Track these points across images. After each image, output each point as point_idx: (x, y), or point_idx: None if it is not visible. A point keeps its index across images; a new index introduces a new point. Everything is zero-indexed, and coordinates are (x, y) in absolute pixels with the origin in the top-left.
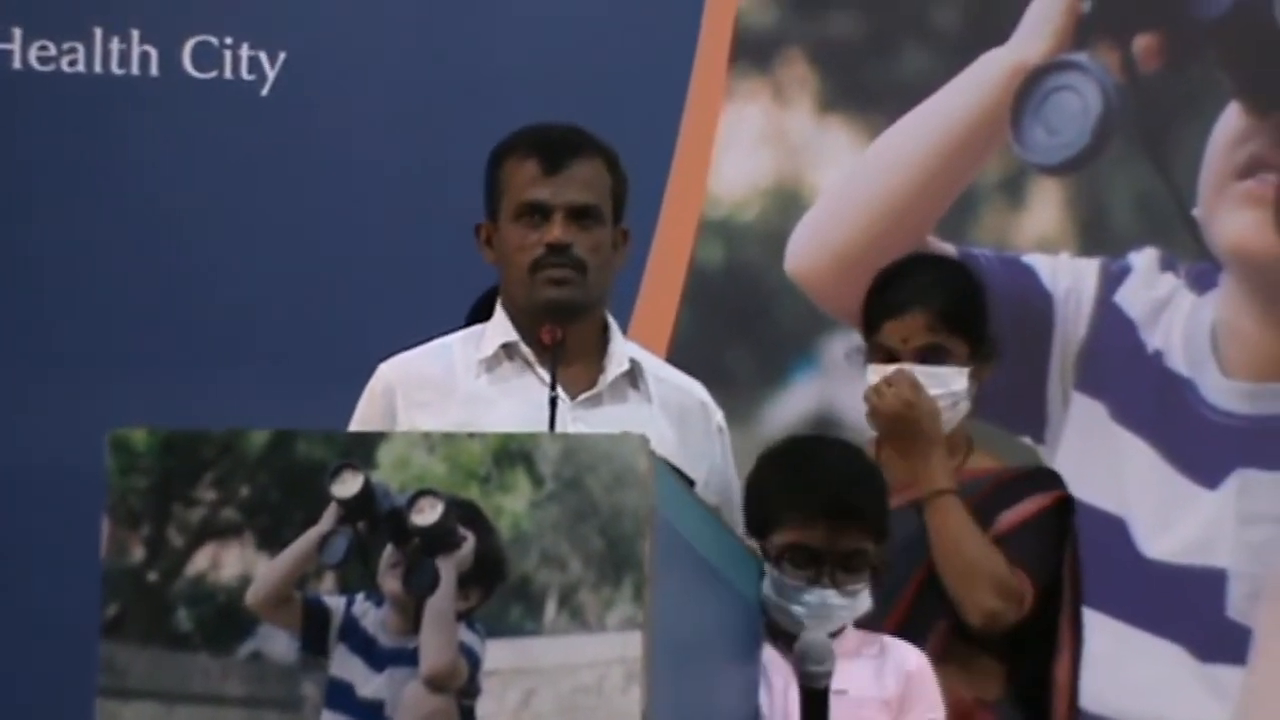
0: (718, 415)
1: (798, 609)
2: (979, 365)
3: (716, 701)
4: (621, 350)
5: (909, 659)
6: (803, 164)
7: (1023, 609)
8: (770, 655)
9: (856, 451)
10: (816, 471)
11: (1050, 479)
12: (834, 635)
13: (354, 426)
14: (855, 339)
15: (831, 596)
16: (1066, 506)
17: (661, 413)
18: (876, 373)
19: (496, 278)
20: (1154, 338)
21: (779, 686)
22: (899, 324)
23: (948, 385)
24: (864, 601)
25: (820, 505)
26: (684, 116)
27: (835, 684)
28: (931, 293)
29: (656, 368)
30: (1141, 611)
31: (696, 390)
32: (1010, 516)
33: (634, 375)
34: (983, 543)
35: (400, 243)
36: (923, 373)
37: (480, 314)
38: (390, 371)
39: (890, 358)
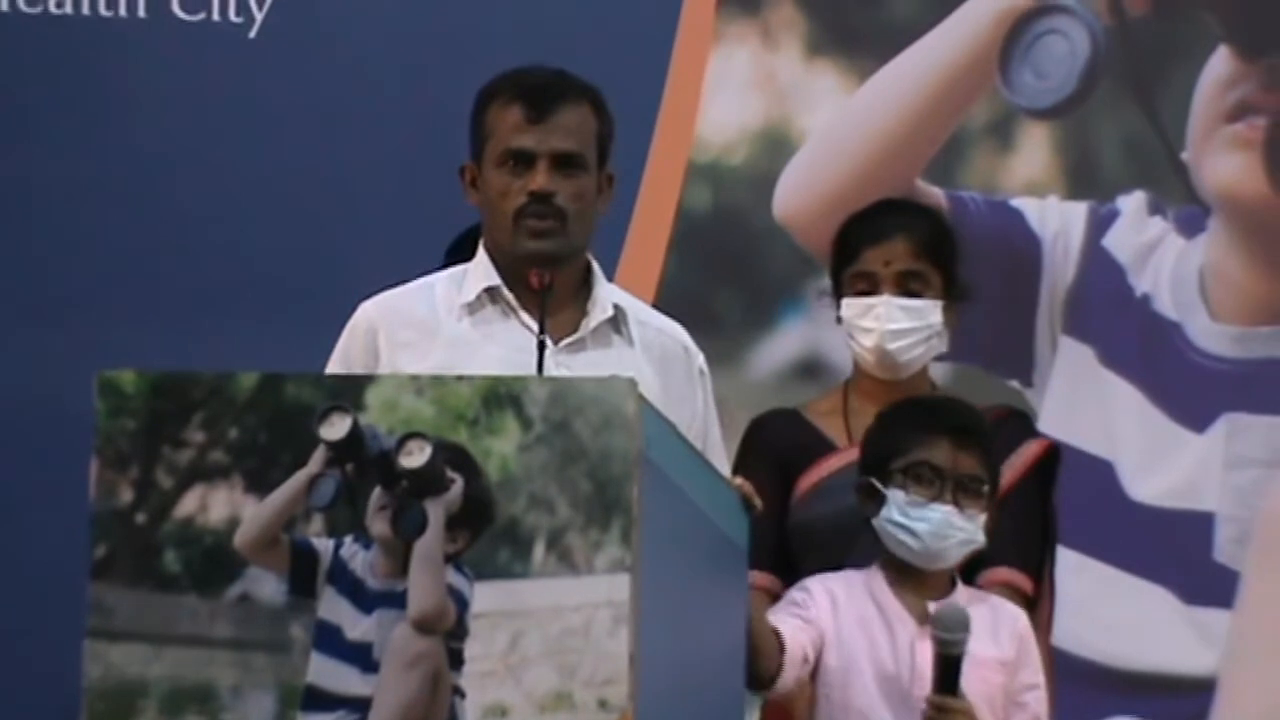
0: (699, 359)
1: (921, 525)
2: (951, 304)
3: (704, 643)
4: (605, 296)
5: (1019, 620)
6: (791, 107)
7: (1024, 604)
8: (894, 607)
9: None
10: (939, 401)
11: (1024, 424)
12: (950, 585)
13: (334, 363)
14: None
15: (953, 515)
16: (1053, 456)
17: (644, 357)
18: (852, 306)
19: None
20: (1142, 281)
21: (904, 640)
22: (882, 249)
23: (925, 318)
24: (979, 534)
25: (943, 424)
26: (672, 60)
27: None
28: (912, 223)
29: (639, 311)
30: (1129, 555)
31: (678, 333)
32: (1002, 480)
33: (617, 320)
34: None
35: (389, 185)
36: (901, 305)
37: (457, 254)
38: (373, 310)
39: (869, 288)
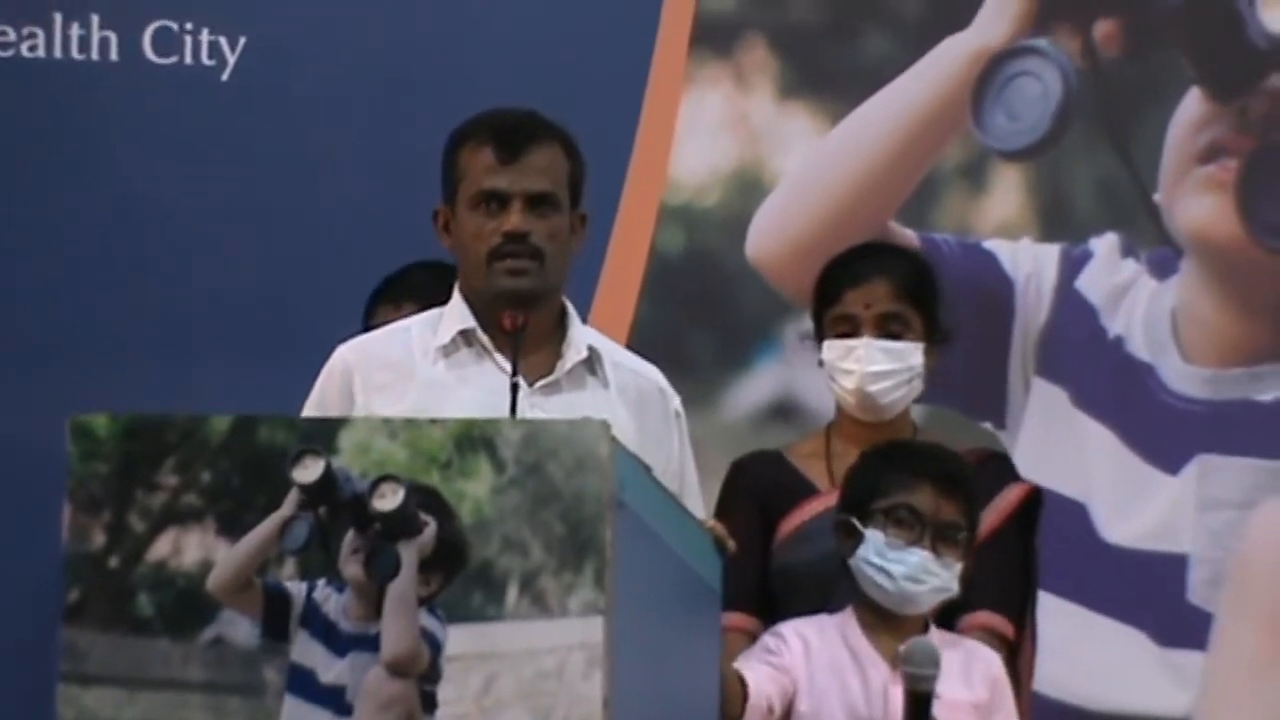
0: (675, 400)
1: (897, 568)
2: (931, 347)
3: (678, 686)
4: (580, 337)
5: (993, 663)
6: (764, 149)
7: (1006, 649)
8: (867, 651)
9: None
10: (925, 446)
11: (1006, 466)
12: (923, 630)
13: (310, 407)
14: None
15: (930, 561)
16: (1036, 500)
17: (619, 399)
18: (833, 349)
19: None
20: (1115, 323)
21: (876, 685)
22: (862, 291)
23: (905, 360)
24: (954, 582)
25: (928, 470)
26: (645, 102)
27: None
28: (893, 265)
29: (614, 353)
30: (1103, 597)
31: (654, 375)
32: (985, 524)
33: (592, 362)
34: None
35: (361, 227)
36: (882, 348)
37: (377, 305)
38: (349, 353)
39: (850, 330)
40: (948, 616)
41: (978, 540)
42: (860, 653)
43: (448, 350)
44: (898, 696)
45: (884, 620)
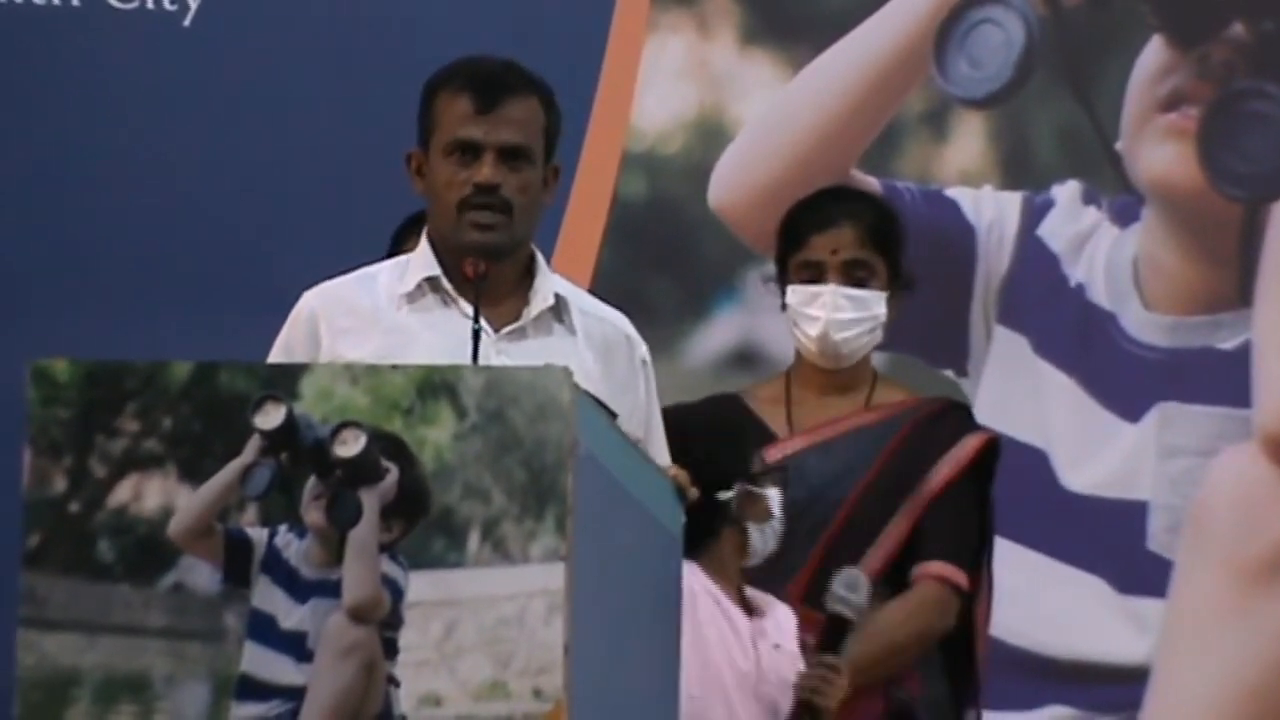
0: (642, 348)
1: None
2: (894, 295)
3: (637, 633)
4: (547, 285)
5: (790, 616)
6: (726, 97)
7: (959, 599)
8: (727, 603)
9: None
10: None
11: (965, 416)
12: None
13: (276, 352)
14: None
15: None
16: (993, 450)
17: (586, 346)
18: (797, 294)
19: (422, 206)
20: (1076, 271)
21: (745, 634)
22: (829, 237)
23: (870, 309)
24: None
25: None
26: (607, 49)
27: (773, 638)
28: (860, 211)
29: (581, 300)
30: (1062, 544)
31: (622, 323)
32: (941, 474)
33: (559, 309)
34: (894, 646)
35: (323, 173)
36: (848, 295)
37: (401, 240)
38: (314, 299)
39: (815, 276)
40: (901, 567)
41: (933, 489)
42: (725, 606)
43: (413, 297)
44: (763, 647)
45: (738, 561)
